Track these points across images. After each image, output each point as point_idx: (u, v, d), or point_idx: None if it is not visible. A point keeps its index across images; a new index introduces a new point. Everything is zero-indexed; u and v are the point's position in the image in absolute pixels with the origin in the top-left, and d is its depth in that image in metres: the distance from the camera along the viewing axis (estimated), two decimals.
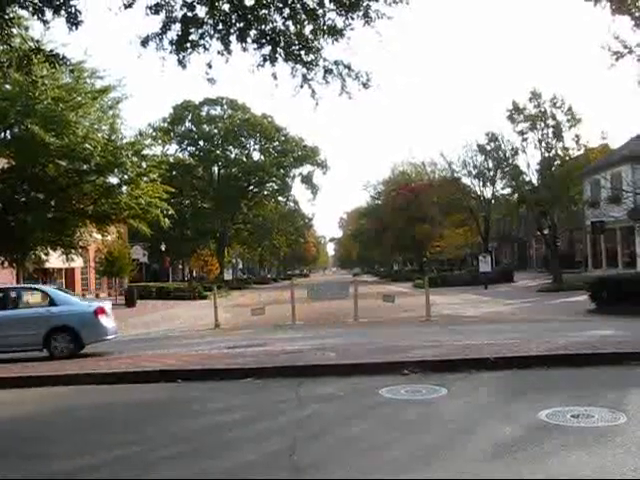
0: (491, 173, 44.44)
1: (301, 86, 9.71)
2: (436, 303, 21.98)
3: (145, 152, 24.43)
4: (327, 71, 9.63)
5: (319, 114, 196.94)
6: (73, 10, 8.00)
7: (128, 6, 8.43)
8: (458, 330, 14.15)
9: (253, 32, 9.07)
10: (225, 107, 65.85)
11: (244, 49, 9.16)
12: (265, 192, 70.41)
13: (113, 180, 23.71)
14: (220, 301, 23.84)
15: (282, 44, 9.17)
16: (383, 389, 7.08)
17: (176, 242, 54.45)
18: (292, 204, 75.87)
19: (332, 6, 9.04)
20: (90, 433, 6.00)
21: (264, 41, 9.11)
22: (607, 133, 62.26)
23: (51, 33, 31.89)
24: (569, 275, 34.14)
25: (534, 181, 37.82)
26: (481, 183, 45.95)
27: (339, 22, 9.14)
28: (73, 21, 8.04)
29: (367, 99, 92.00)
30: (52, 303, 12.93)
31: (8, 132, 22.25)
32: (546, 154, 35.96)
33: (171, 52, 9.06)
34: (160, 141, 28.22)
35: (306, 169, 68.17)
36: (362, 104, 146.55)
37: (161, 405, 7.18)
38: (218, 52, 9.20)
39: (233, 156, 66.07)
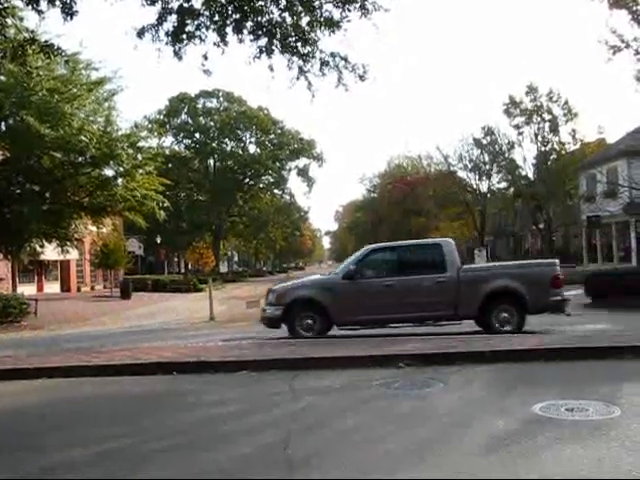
0: (487, 167, 44.53)
1: (297, 78, 9.66)
2: None
3: (141, 144, 24.34)
4: (323, 63, 9.58)
5: (315, 107, 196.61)
6: (68, 0, 7.93)
7: None
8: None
9: (249, 23, 9.01)
10: (221, 99, 65.71)
11: (240, 41, 9.11)
12: (261, 185, 70.40)
13: (108, 172, 23.67)
14: (215, 294, 23.84)
15: (278, 36, 9.12)
16: (378, 382, 7.08)
17: (172, 235, 54.47)
18: (288, 197, 76.00)
19: None
20: (85, 426, 5.98)
21: (260, 33, 9.05)
22: (603, 127, 62.33)
23: (46, 24, 31.60)
24: (564, 269, 34.16)
25: (530, 175, 37.97)
26: (477, 177, 46.11)
27: (336, 14, 9.11)
28: (68, 11, 7.96)
29: (363, 92, 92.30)
30: None
31: (3, 123, 22.11)
32: (542, 148, 36.06)
33: (167, 43, 9.01)
34: (156, 133, 28.15)
35: (302, 162, 68.29)
36: (358, 97, 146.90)
37: (157, 398, 7.17)
38: (214, 44, 9.14)
39: (229, 149, 65.98)
